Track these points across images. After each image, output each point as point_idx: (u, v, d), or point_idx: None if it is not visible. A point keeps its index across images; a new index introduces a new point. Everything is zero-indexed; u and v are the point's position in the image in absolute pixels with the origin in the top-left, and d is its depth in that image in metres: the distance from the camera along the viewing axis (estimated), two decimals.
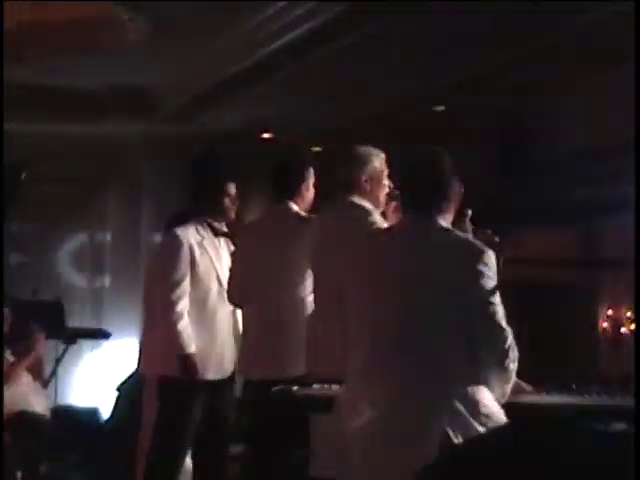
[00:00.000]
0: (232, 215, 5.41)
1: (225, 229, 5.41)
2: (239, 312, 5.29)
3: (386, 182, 4.60)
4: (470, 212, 4.46)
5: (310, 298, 4.74)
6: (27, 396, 7.16)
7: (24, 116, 9.27)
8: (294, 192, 5.01)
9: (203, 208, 5.38)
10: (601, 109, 9.95)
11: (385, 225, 4.33)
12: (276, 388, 3.81)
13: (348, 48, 7.85)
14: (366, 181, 4.56)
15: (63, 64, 8.61)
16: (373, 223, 4.33)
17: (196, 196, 5.45)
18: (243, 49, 8.29)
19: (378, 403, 3.11)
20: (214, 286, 5.28)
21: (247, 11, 7.71)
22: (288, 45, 7.85)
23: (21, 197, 8.54)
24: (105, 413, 8.99)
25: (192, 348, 5.14)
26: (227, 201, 5.36)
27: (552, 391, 3.44)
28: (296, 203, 5.01)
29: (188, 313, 5.19)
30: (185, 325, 5.15)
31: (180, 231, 5.31)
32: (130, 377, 7.55)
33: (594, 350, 15.38)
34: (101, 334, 9.44)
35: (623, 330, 14.92)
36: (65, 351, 8.78)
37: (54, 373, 8.62)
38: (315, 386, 3.73)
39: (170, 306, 5.15)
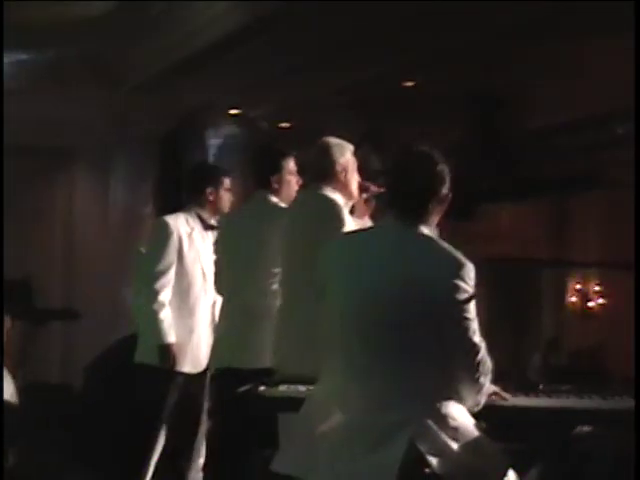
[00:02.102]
0: (227, 209, 5.44)
1: (214, 222, 5.41)
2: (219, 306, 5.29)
3: (356, 174, 4.57)
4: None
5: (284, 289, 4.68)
6: None
7: None
8: (269, 182, 4.96)
9: (199, 201, 5.40)
10: (572, 83, 9.94)
11: (352, 223, 4.30)
12: (243, 388, 3.78)
13: (314, 20, 7.80)
14: (341, 172, 4.53)
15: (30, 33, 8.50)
16: (342, 220, 4.30)
17: (192, 187, 5.47)
18: (211, 21, 8.20)
19: (348, 408, 3.10)
20: (198, 279, 5.30)
21: None
22: (255, 18, 7.79)
23: None
24: (77, 391, 8.99)
25: (172, 338, 5.17)
26: (225, 195, 5.40)
27: (519, 392, 3.40)
28: (273, 193, 4.96)
29: (170, 303, 5.21)
30: (166, 315, 5.18)
31: (171, 220, 5.33)
32: (101, 356, 7.56)
33: (562, 323, 15.57)
34: (70, 314, 9.38)
35: (590, 304, 15.08)
36: (34, 331, 8.73)
37: (23, 354, 8.56)
38: (282, 387, 3.72)
39: (153, 295, 5.17)
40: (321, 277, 3.28)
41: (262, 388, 3.70)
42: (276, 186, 4.94)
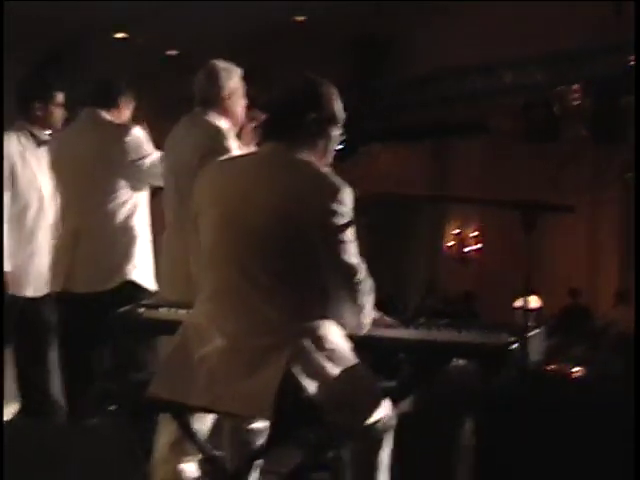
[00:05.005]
0: (59, 125, 5.18)
1: (47, 138, 5.16)
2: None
3: (243, 100, 4.50)
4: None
5: (124, 209, 4.70)
6: None
7: None
8: (108, 104, 4.87)
9: (27, 116, 5.13)
10: (461, 32, 10.03)
11: (238, 150, 4.24)
12: (124, 309, 3.72)
13: None
14: (227, 98, 4.45)
15: None
16: (227, 147, 4.22)
17: (20, 103, 5.17)
18: None
19: (225, 332, 3.09)
20: (35, 200, 5.08)
21: None
22: None
23: None
24: None
25: (7, 266, 4.98)
26: (55, 110, 5.15)
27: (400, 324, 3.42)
28: (110, 114, 4.87)
29: (7, 228, 4.99)
30: (1, 241, 4.96)
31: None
32: None
33: (439, 266, 15.86)
34: None
35: (467, 249, 15.40)
36: None
37: None
38: (162, 309, 3.68)
39: None
40: (195, 203, 3.25)
41: (142, 310, 3.69)
42: (126, 112, 4.90)
